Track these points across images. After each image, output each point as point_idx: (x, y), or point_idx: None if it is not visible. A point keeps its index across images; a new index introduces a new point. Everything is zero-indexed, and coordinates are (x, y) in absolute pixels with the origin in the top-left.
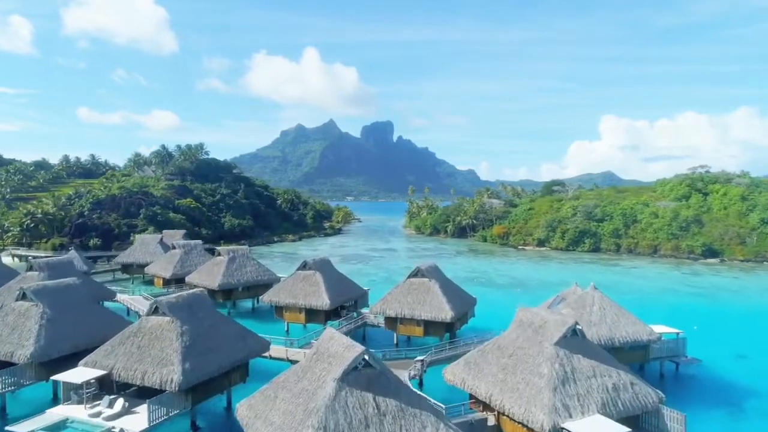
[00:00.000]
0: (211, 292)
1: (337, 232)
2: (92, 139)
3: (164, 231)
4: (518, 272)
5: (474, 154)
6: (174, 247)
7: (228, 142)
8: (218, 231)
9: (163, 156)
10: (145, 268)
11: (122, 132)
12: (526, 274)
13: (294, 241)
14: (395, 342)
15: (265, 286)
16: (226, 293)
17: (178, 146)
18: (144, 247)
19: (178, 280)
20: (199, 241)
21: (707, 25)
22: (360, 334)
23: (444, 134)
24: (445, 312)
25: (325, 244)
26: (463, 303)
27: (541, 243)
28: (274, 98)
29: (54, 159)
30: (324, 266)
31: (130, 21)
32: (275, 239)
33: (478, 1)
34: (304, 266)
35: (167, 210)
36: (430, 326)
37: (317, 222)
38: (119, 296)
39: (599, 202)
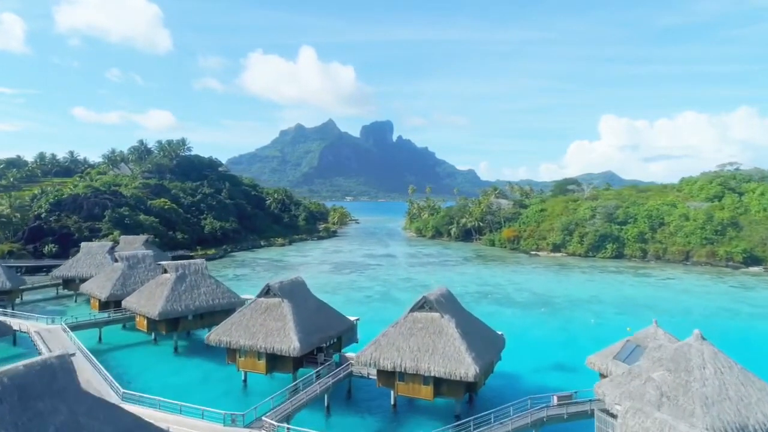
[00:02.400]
0: (152, 322)
1: (332, 234)
2: (91, 139)
3: (122, 237)
4: (538, 285)
5: (473, 154)
6: (117, 260)
7: (228, 142)
8: (197, 235)
9: (141, 152)
10: (81, 286)
11: (121, 132)
12: (547, 288)
13: (283, 245)
14: (393, 403)
15: (225, 312)
16: (171, 323)
17: (159, 142)
18: (89, 257)
19: (117, 303)
20: (149, 252)
21: (707, 25)
22: (344, 388)
23: (443, 134)
24: (465, 366)
25: (317, 249)
26: (489, 348)
27: (556, 248)
28: (271, 98)
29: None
30: (295, 291)
31: (122, 18)
32: (262, 243)
33: (477, 1)
34: (267, 292)
35: (138, 211)
36: (444, 385)
37: (310, 224)
38: (26, 325)
39: (621, 203)
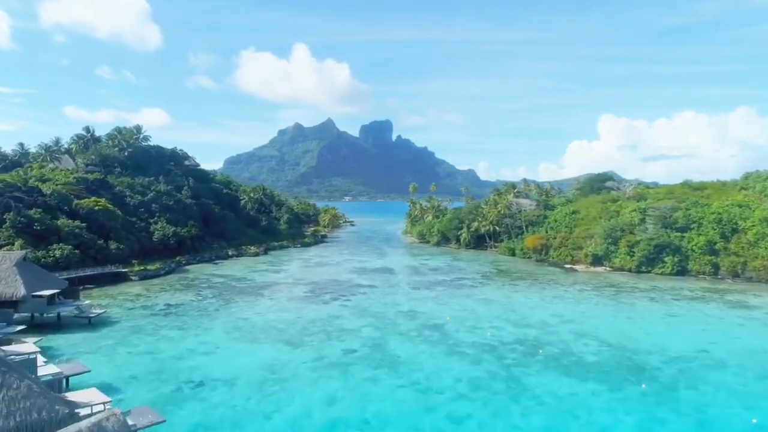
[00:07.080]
0: None
1: (321, 240)
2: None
3: None
4: (603, 324)
5: (472, 154)
6: None
7: (227, 142)
8: (142, 244)
9: (87, 141)
10: None
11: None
12: (620, 330)
13: (257, 254)
14: None
15: None
16: None
17: (117, 129)
18: None
19: None
20: None
21: (707, 25)
22: None
23: (442, 133)
24: None
25: (297, 260)
26: None
27: (597, 260)
28: (267, 96)
29: None
30: None
31: (108, 13)
32: (230, 253)
33: (477, 1)
34: None
35: (56, 214)
36: None
37: (294, 227)
38: None
39: (678, 203)
